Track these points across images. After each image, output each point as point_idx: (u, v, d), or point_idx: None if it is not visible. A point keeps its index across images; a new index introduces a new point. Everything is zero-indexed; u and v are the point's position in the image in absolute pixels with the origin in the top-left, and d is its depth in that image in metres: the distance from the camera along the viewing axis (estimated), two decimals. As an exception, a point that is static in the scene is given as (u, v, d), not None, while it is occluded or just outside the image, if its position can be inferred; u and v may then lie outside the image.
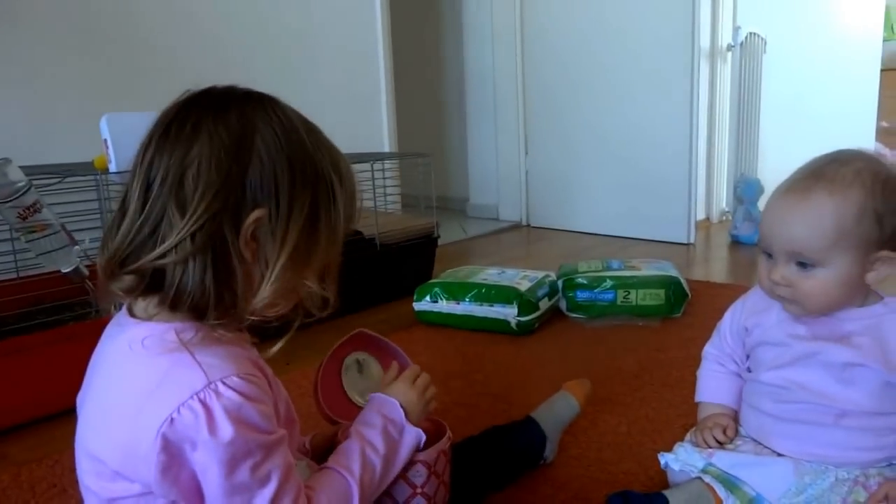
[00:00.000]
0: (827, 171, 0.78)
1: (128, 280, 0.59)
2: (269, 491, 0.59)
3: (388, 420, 0.77)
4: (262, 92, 0.65)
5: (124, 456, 0.58)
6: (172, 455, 0.56)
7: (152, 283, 0.59)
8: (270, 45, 2.42)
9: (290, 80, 2.45)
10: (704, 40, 2.86)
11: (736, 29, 2.97)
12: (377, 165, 2.05)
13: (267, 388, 0.62)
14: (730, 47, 2.99)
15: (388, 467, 0.75)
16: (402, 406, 0.79)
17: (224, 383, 0.57)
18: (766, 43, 3.04)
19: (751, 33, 2.97)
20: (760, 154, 3.11)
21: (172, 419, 0.55)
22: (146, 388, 0.57)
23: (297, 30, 2.52)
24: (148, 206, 0.58)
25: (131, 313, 0.63)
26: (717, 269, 2.45)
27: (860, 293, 0.80)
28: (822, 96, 3.38)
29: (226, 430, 0.55)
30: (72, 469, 0.66)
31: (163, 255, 0.57)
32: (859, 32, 3.56)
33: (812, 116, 3.30)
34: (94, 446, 0.61)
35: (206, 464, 0.56)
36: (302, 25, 2.53)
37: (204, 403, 0.55)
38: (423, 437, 0.79)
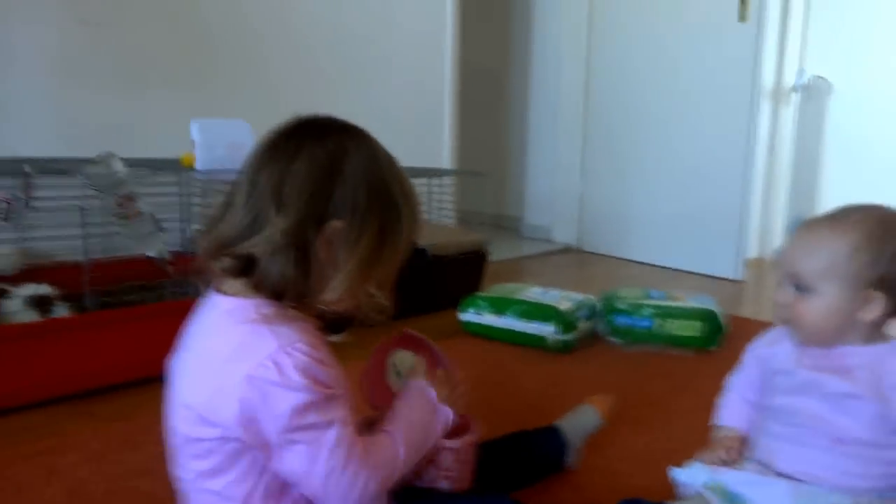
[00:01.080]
0: (841, 213, 0.87)
1: (226, 262, 0.72)
2: (332, 433, 0.70)
3: (424, 398, 0.87)
4: (355, 125, 0.78)
5: (210, 405, 0.70)
6: (249, 407, 0.67)
7: (244, 267, 0.71)
8: (343, 67, 2.59)
9: (359, 97, 2.61)
10: (768, 81, 2.88)
11: (800, 71, 2.97)
12: (435, 181, 2.17)
13: (331, 357, 0.73)
14: (794, 89, 3.00)
15: (425, 438, 0.84)
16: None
17: (293, 347, 0.68)
18: (831, 86, 3.04)
19: (816, 76, 2.98)
20: (820, 197, 3.09)
21: (250, 376, 0.67)
22: (229, 351, 0.70)
23: (372, 53, 2.68)
24: (251, 202, 0.71)
25: (222, 290, 0.75)
26: (766, 308, 2.46)
27: (855, 329, 0.86)
28: (891, 142, 3.32)
29: (295, 380, 0.67)
30: (146, 428, 0.77)
31: (257, 245, 0.70)
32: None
33: (880, 162, 3.24)
34: (186, 396, 0.74)
35: (278, 412, 0.67)
36: (375, 46, 2.69)
37: (276, 362, 0.67)
38: (451, 416, 0.88)
